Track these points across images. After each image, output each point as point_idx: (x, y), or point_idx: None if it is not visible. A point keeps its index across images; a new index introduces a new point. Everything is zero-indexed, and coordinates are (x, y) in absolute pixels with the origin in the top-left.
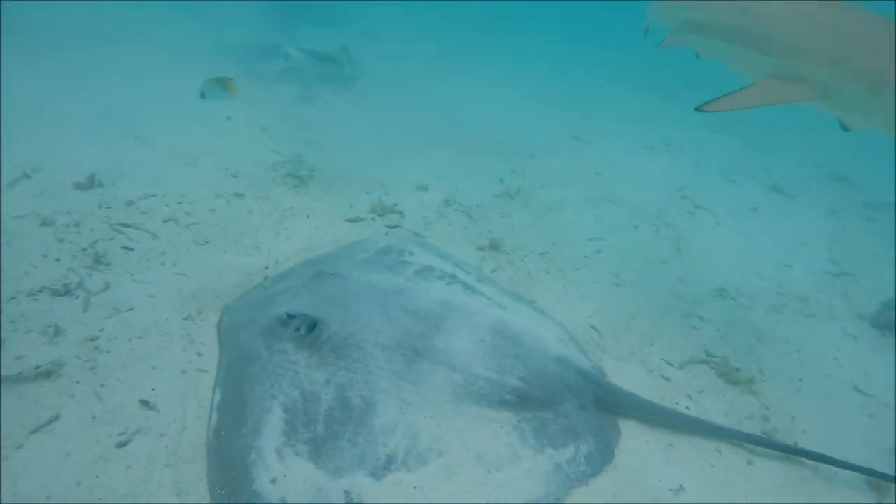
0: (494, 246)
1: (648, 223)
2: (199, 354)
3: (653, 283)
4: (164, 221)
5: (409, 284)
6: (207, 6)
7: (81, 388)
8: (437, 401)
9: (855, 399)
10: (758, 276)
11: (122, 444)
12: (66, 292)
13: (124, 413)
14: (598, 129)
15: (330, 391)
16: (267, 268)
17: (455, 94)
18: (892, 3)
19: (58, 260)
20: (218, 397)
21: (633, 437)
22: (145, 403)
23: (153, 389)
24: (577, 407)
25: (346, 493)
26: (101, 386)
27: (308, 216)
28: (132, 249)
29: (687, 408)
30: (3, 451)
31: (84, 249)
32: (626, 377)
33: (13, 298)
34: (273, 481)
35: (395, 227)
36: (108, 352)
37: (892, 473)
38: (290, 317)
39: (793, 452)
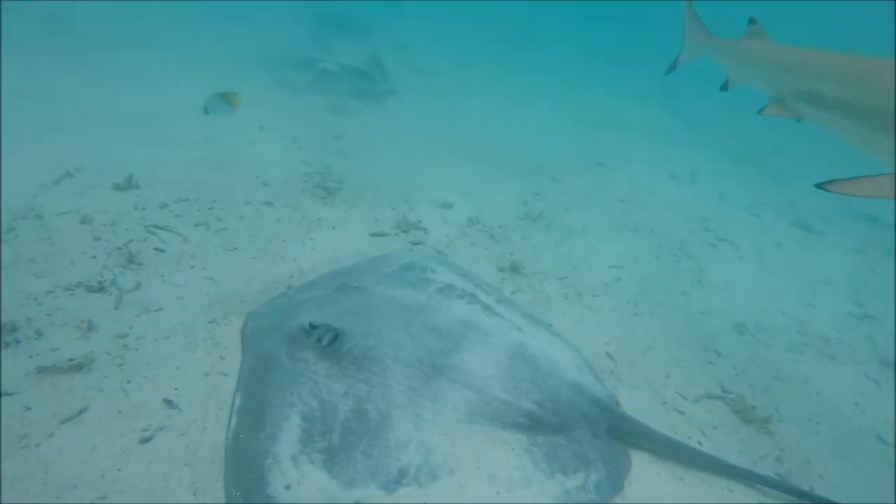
0: (515, 268)
1: (670, 253)
2: (222, 358)
3: (671, 315)
4: (196, 225)
5: (431, 301)
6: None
7: (110, 382)
8: (452, 419)
9: (876, 448)
10: (779, 313)
11: (144, 440)
12: (101, 289)
13: (148, 410)
14: (622, 153)
15: (348, 402)
16: (292, 276)
17: (481, 110)
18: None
19: (94, 257)
20: (238, 401)
21: (644, 469)
22: (168, 402)
23: (176, 389)
24: (589, 434)
25: None
26: (128, 382)
27: (334, 228)
28: (164, 251)
29: (699, 443)
30: (35, 439)
31: (119, 248)
32: (640, 407)
33: (51, 292)
34: (287, 487)
35: (418, 243)
36: (136, 350)
37: None
38: (314, 326)
39: (808, 498)
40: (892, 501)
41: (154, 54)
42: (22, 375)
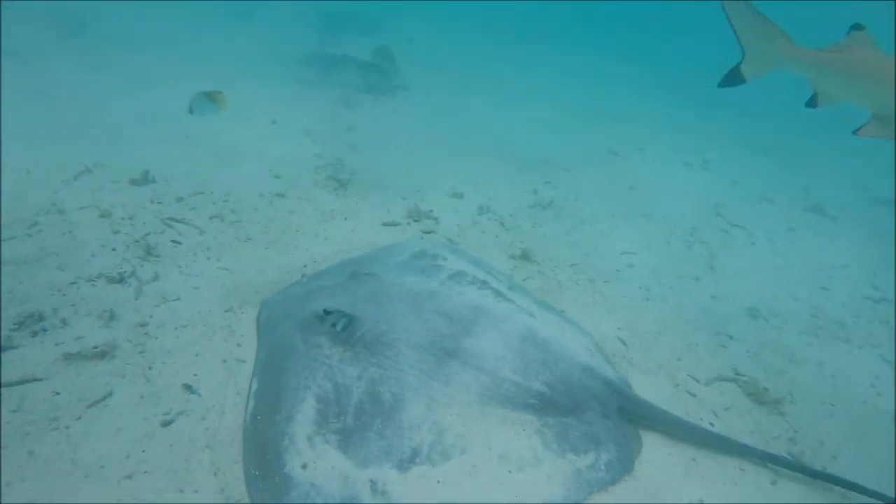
0: (526, 255)
1: (681, 240)
2: (239, 345)
3: (683, 300)
4: (211, 218)
5: (442, 288)
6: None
7: (132, 369)
8: (463, 400)
9: (891, 429)
10: (792, 297)
11: (166, 424)
12: (121, 280)
13: (169, 395)
14: (634, 143)
15: (361, 385)
16: (305, 266)
17: (491, 105)
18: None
19: (114, 250)
20: (255, 385)
21: (656, 450)
22: (188, 388)
23: (195, 375)
24: (600, 415)
25: (372, 482)
26: (150, 369)
27: (346, 219)
28: (180, 243)
29: (711, 424)
30: (64, 422)
31: (137, 241)
32: (652, 390)
33: (74, 283)
34: (303, 466)
35: (429, 232)
36: (156, 338)
37: None
38: (328, 313)
39: (820, 477)
40: None
41: (165, 54)
42: (49, 362)
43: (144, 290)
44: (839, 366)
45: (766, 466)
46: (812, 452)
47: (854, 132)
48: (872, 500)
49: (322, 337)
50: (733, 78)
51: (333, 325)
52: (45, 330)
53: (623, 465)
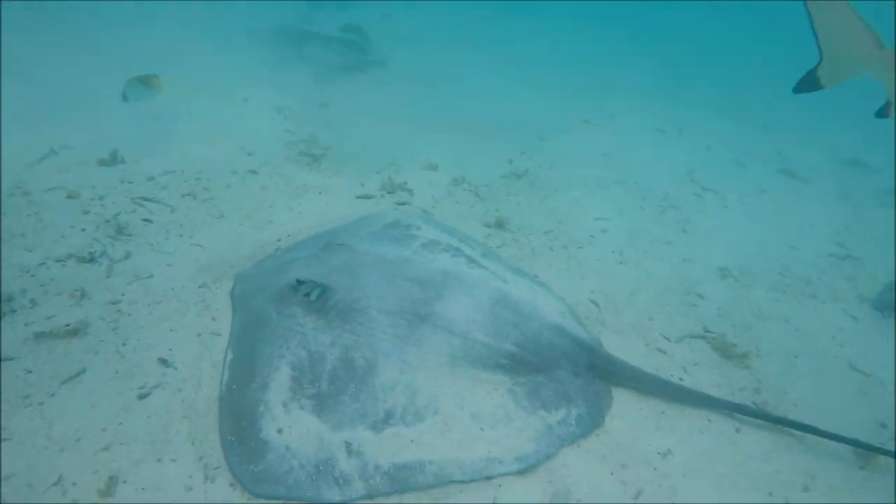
0: (500, 224)
1: (654, 205)
2: (214, 319)
3: (656, 263)
4: (183, 196)
5: (415, 256)
6: None
7: (105, 345)
8: (435, 363)
9: (850, 376)
10: (762, 257)
11: (142, 397)
12: (91, 259)
13: (144, 369)
14: (610, 111)
15: (335, 352)
16: (279, 240)
17: (468, 77)
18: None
19: (83, 230)
20: (230, 356)
21: (627, 405)
22: (163, 361)
23: (171, 349)
24: (570, 373)
25: (347, 443)
26: (123, 344)
27: (320, 193)
28: (152, 222)
29: (681, 379)
30: (37, 399)
31: (107, 221)
32: (624, 349)
33: (43, 264)
34: (279, 431)
35: (403, 204)
36: (129, 314)
37: (880, 446)
38: (300, 283)
39: (780, 422)
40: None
41: (141, 32)
42: (20, 342)
43: (116, 269)
44: (804, 320)
45: (731, 416)
46: (775, 401)
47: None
48: (827, 441)
49: (296, 307)
50: (809, 83)
51: (307, 294)
52: (13, 311)
53: (594, 420)
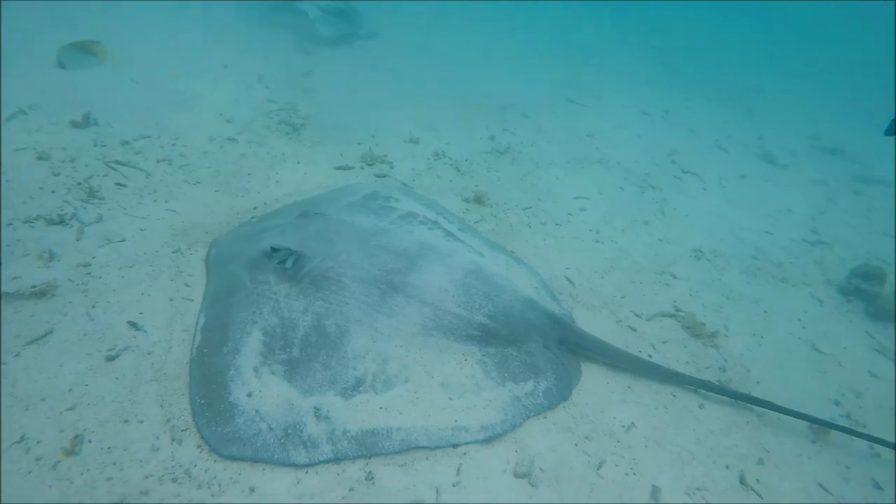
0: (479, 199)
1: (635, 185)
2: (187, 285)
3: (632, 242)
4: (158, 161)
5: (392, 227)
6: None
7: (74, 307)
8: (407, 332)
9: (811, 356)
10: (737, 240)
11: (110, 359)
12: (61, 221)
13: (113, 332)
14: (597, 91)
15: (307, 319)
16: (255, 208)
17: (455, 51)
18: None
19: (53, 192)
20: (203, 320)
21: (595, 379)
22: (133, 324)
23: (141, 313)
24: (541, 346)
25: (316, 408)
26: (93, 307)
27: (298, 162)
28: (125, 186)
29: (650, 356)
30: (1, 357)
31: (79, 184)
32: (595, 325)
33: (10, 225)
34: (249, 395)
35: (383, 176)
36: (100, 277)
37: (834, 421)
38: (275, 250)
39: (741, 398)
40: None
41: None
42: None
43: (87, 232)
44: (772, 302)
45: (696, 392)
46: (739, 379)
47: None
48: (784, 416)
49: (270, 274)
50: None
51: (281, 262)
52: None
53: (561, 393)
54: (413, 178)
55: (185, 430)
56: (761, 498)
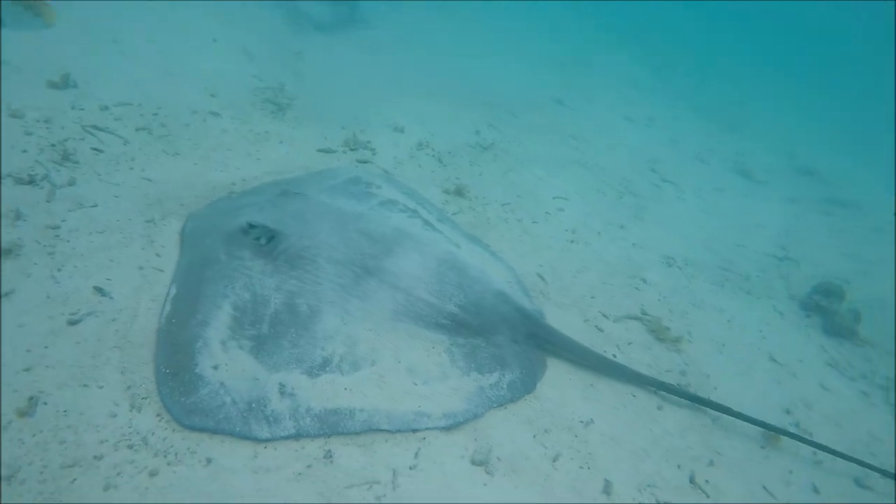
0: (459, 191)
1: (614, 190)
2: (158, 255)
3: (606, 245)
4: (138, 130)
5: (371, 212)
6: None
7: (38, 269)
8: (378, 316)
9: (767, 367)
10: (709, 250)
11: (73, 323)
12: (31, 182)
13: (78, 297)
14: (585, 94)
15: (279, 296)
16: (234, 184)
17: (448, 44)
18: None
19: (24, 151)
20: (174, 291)
21: (559, 375)
22: (99, 290)
23: (109, 279)
24: (509, 339)
25: (281, 385)
26: (58, 270)
27: (281, 142)
28: (102, 151)
29: (614, 356)
30: None
31: (53, 145)
32: (563, 323)
33: None
34: (215, 367)
35: (365, 162)
36: (68, 241)
37: (785, 428)
38: (252, 226)
39: (699, 402)
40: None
41: None
42: None
43: (58, 194)
44: (736, 312)
45: (656, 393)
46: (698, 383)
47: None
48: (739, 421)
49: (245, 249)
50: None
51: (257, 238)
52: None
53: (525, 386)
54: (395, 165)
55: (146, 398)
56: (708, 497)
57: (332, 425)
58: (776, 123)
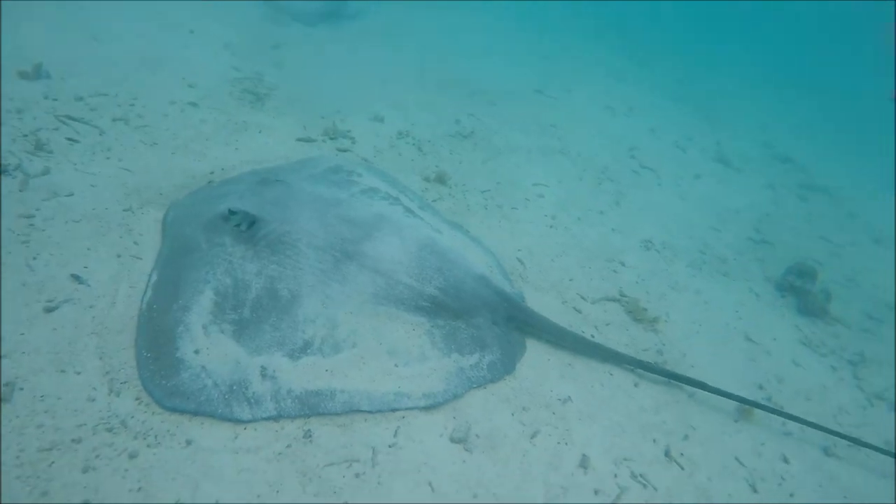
0: (440, 179)
1: (593, 177)
2: (136, 243)
3: (585, 230)
4: (114, 120)
5: (352, 199)
6: None
7: (13, 258)
8: (359, 300)
9: (742, 345)
10: (686, 235)
11: (49, 310)
12: (3, 171)
13: (55, 284)
14: (565, 84)
15: (260, 281)
16: (212, 172)
17: (430, 36)
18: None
19: None
20: (155, 278)
21: (538, 355)
22: (76, 278)
23: (86, 267)
24: (489, 321)
25: (262, 368)
26: (34, 258)
27: (260, 132)
28: (77, 141)
29: (592, 337)
30: None
31: (25, 135)
32: (542, 305)
33: None
34: (196, 351)
35: (344, 150)
36: (43, 230)
37: (758, 401)
38: (232, 213)
39: (674, 378)
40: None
41: None
42: None
43: (32, 184)
44: (713, 294)
45: (633, 371)
46: (674, 362)
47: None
48: (714, 396)
49: (226, 236)
50: None
51: (238, 224)
52: None
53: (505, 367)
54: (375, 154)
55: (125, 382)
56: (682, 469)
57: (313, 406)
58: (755, 114)
